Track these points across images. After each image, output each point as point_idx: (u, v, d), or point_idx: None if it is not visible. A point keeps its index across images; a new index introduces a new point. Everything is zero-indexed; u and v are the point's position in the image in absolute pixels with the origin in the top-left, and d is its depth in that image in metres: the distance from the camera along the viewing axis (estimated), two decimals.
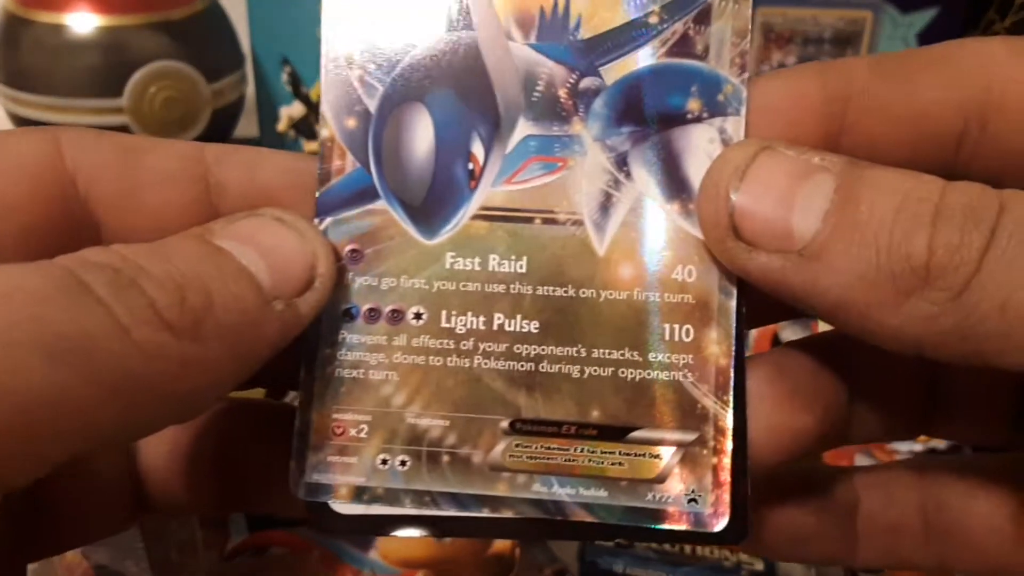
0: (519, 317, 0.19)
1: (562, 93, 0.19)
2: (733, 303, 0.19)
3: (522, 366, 0.19)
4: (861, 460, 0.46)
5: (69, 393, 0.13)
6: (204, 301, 0.15)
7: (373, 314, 0.19)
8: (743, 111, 0.19)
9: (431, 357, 0.19)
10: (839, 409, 0.20)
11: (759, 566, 0.41)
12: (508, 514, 0.19)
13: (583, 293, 0.19)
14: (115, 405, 0.14)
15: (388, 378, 0.19)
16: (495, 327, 0.19)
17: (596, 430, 0.19)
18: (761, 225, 0.17)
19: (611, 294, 0.19)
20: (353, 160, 0.20)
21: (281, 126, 0.61)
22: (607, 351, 0.19)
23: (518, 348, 0.19)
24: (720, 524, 0.19)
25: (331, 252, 0.18)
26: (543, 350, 0.19)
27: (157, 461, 0.22)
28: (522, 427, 0.19)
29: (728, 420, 0.19)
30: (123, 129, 0.51)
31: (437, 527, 0.19)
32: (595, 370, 0.19)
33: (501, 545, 0.41)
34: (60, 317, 0.14)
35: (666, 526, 0.19)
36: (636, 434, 0.19)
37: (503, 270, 0.19)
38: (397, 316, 0.19)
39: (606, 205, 0.19)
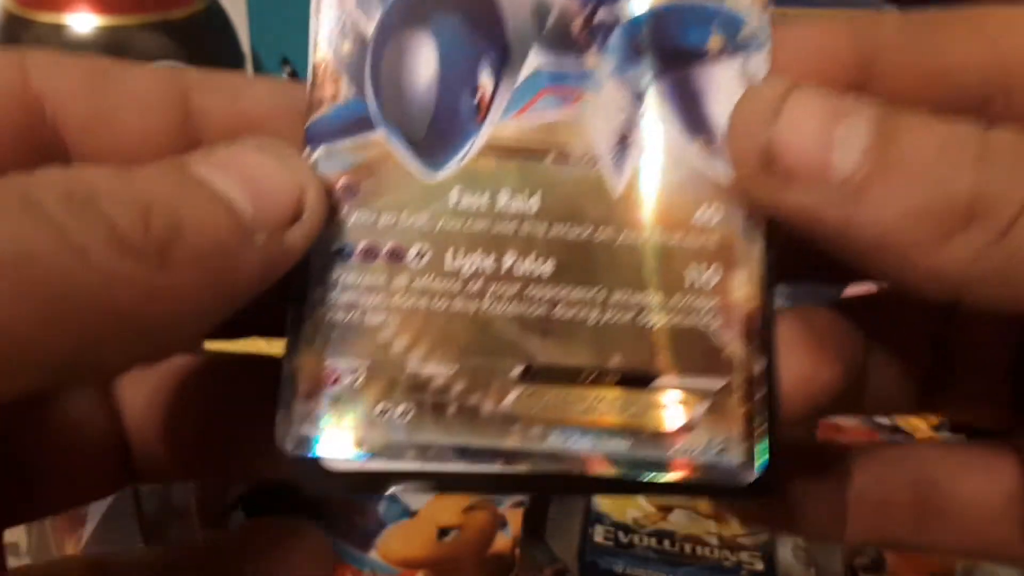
0: (531, 258, 0.18)
1: (577, 24, 0.18)
2: (759, 247, 0.18)
3: (535, 310, 0.18)
4: None
5: (5, 312, 0.12)
6: (172, 225, 0.14)
7: (370, 252, 0.18)
8: (767, 48, 0.18)
9: (435, 299, 0.18)
10: (858, 370, 0.19)
11: (759, 566, 0.39)
12: (522, 468, 0.17)
13: (600, 234, 0.18)
14: (68, 331, 0.13)
15: (387, 322, 0.18)
16: (505, 268, 0.18)
17: (617, 378, 0.18)
18: (797, 158, 0.16)
19: (630, 235, 0.18)
20: (348, 87, 0.18)
21: None
22: (627, 295, 0.18)
23: (530, 291, 0.18)
24: (751, 477, 0.17)
25: (320, 183, 0.17)
26: (558, 293, 0.18)
27: (140, 422, 0.20)
28: (536, 374, 0.18)
29: (759, 367, 0.18)
30: None
31: (440, 483, 0.18)
32: (614, 315, 0.18)
33: (501, 545, 0.40)
34: None
35: (693, 478, 0.17)
36: (659, 381, 0.18)
37: (513, 208, 0.18)
38: (397, 255, 0.18)
39: (622, 144, 0.18)
